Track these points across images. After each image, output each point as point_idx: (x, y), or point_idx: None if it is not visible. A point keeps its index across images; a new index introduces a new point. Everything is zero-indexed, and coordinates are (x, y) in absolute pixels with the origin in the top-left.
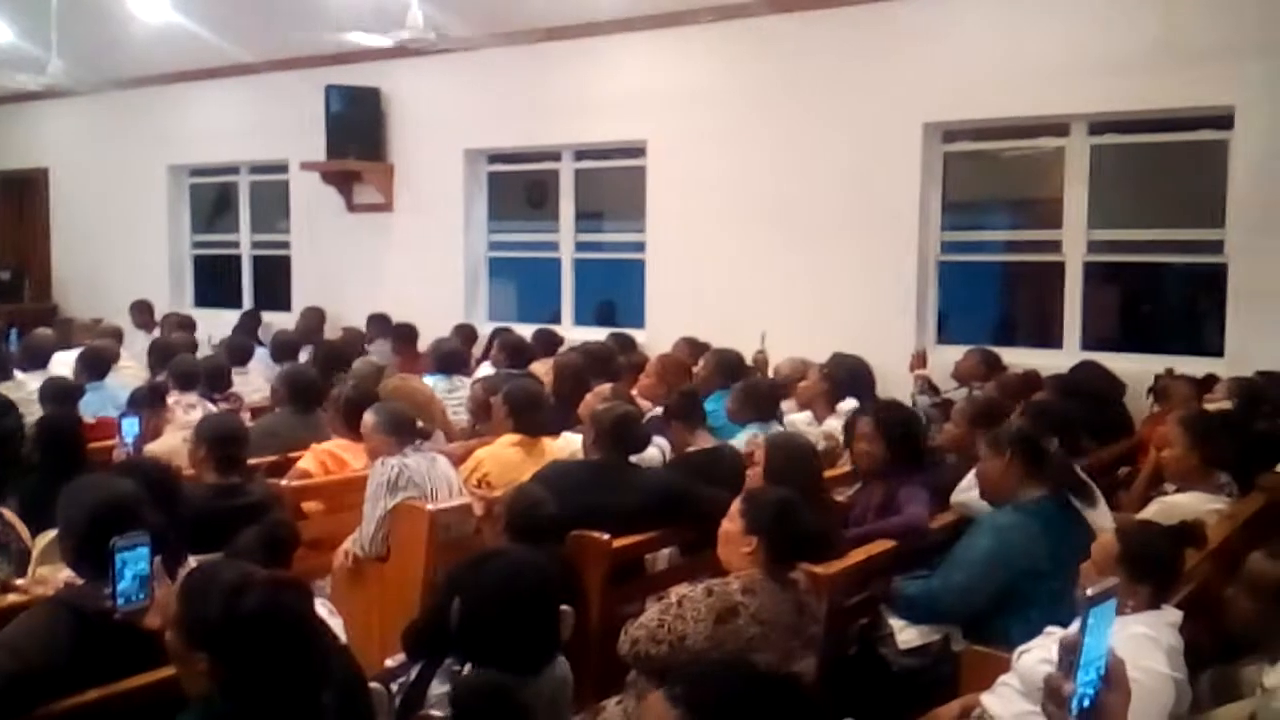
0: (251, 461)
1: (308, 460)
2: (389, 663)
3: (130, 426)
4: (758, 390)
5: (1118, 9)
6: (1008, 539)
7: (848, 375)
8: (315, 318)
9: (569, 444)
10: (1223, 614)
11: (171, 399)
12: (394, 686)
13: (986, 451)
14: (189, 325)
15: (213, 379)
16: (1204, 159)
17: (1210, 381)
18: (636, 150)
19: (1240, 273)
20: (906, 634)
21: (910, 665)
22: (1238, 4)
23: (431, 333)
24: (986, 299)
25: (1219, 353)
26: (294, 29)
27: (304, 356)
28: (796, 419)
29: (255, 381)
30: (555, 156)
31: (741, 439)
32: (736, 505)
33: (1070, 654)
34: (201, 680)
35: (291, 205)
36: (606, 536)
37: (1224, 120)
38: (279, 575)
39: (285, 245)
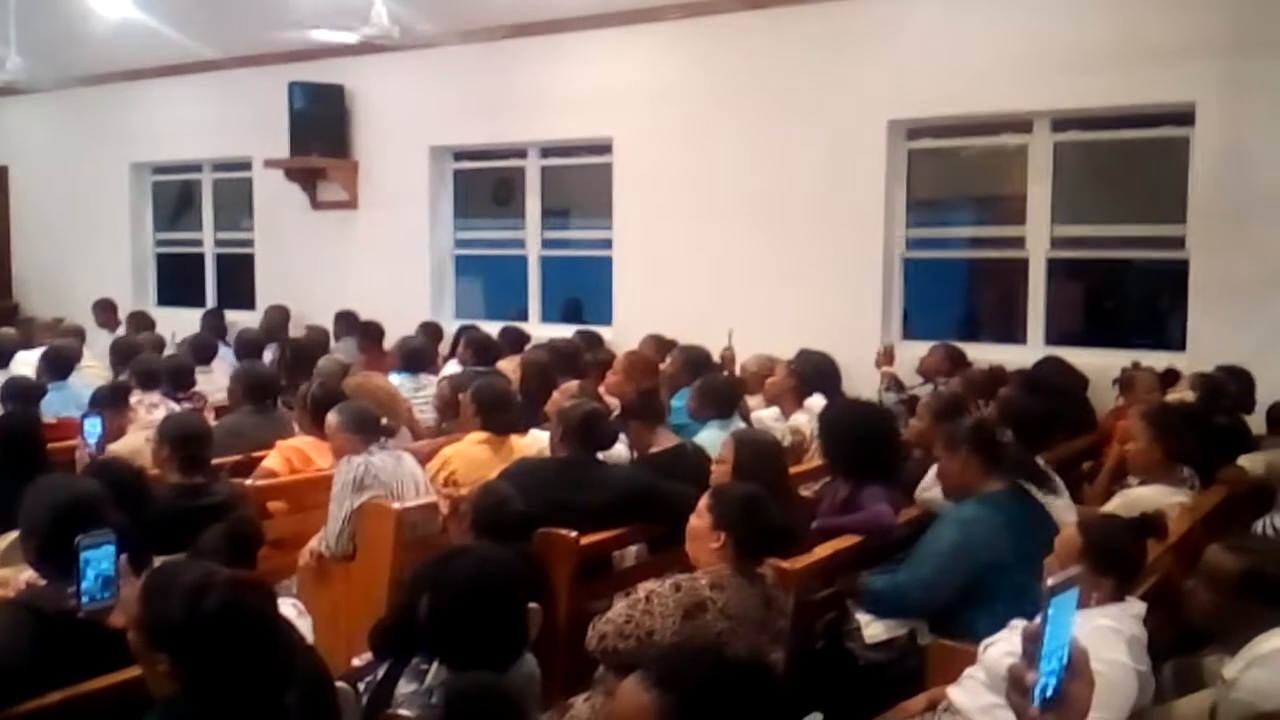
0: (216, 461)
1: (273, 459)
2: (356, 662)
3: (93, 426)
4: (716, 387)
5: (1080, 6)
6: (971, 532)
7: (814, 371)
8: (279, 316)
9: (536, 441)
10: (1184, 606)
11: (134, 398)
12: (361, 686)
13: (942, 449)
14: (147, 324)
15: (175, 378)
16: (1166, 155)
17: (1172, 376)
18: (603, 147)
19: (1201, 268)
20: (873, 629)
21: (877, 659)
22: (1198, 2)
23: (398, 330)
24: (952, 295)
25: (1181, 347)
26: (257, 25)
27: (268, 355)
28: (764, 415)
29: (219, 380)
30: (521, 154)
31: (704, 436)
32: (704, 501)
33: (1033, 644)
34: (165, 681)
35: (255, 203)
36: (574, 534)
37: (1185, 117)
38: (241, 575)
39: (249, 243)
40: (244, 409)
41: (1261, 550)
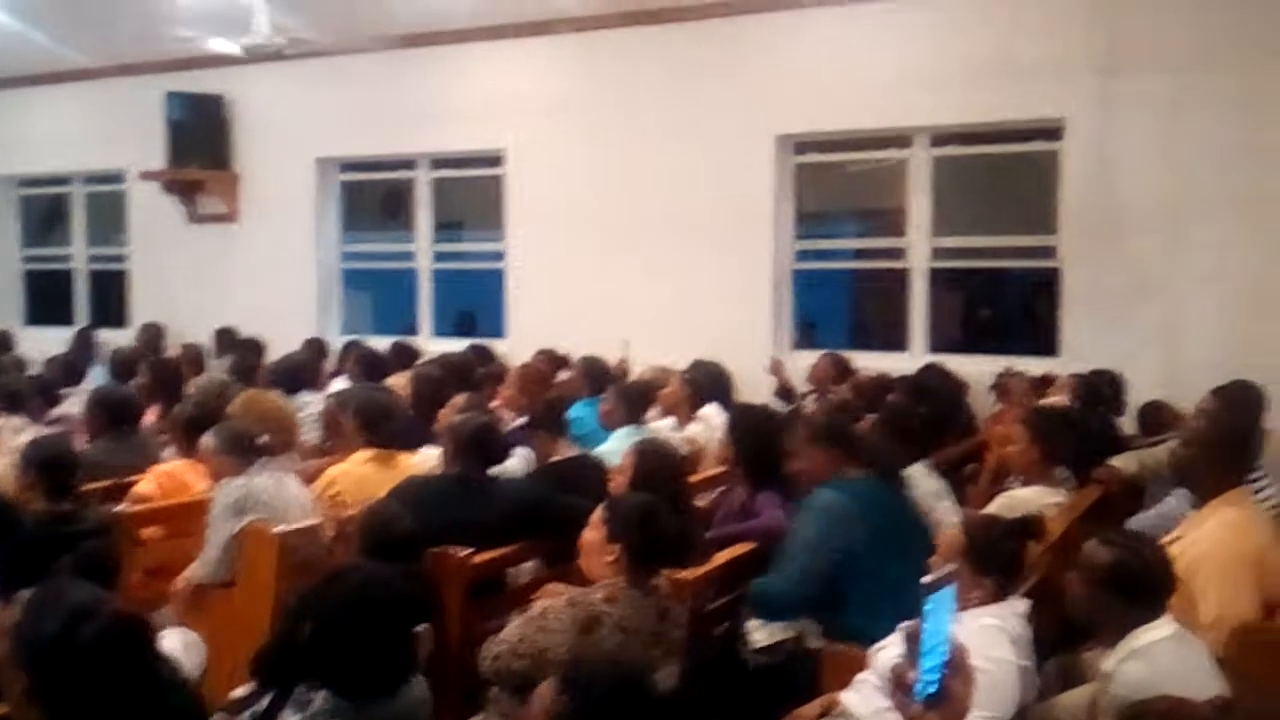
0: (86, 488)
1: (146, 483)
2: (238, 693)
3: None
4: (632, 393)
5: (956, 27)
6: (830, 519)
7: (708, 381)
8: (154, 334)
9: (427, 459)
10: (1064, 602)
11: None
12: (244, 717)
13: (802, 445)
14: (6, 344)
15: (42, 399)
16: (1038, 169)
17: (1048, 380)
18: (494, 159)
19: (1072, 276)
20: (758, 634)
21: (765, 664)
22: (1066, 21)
23: (282, 347)
24: (840, 305)
25: (1055, 353)
26: (133, 33)
27: (140, 375)
28: (660, 425)
29: None
30: (411, 165)
31: (611, 446)
32: (598, 514)
33: (912, 642)
34: (22, 705)
35: (129, 217)
36: (465, 552)
37: (1055, 132)
38: (125, 609)
39: (123, 258)
40: (103, 436)
41: (1130, 545)
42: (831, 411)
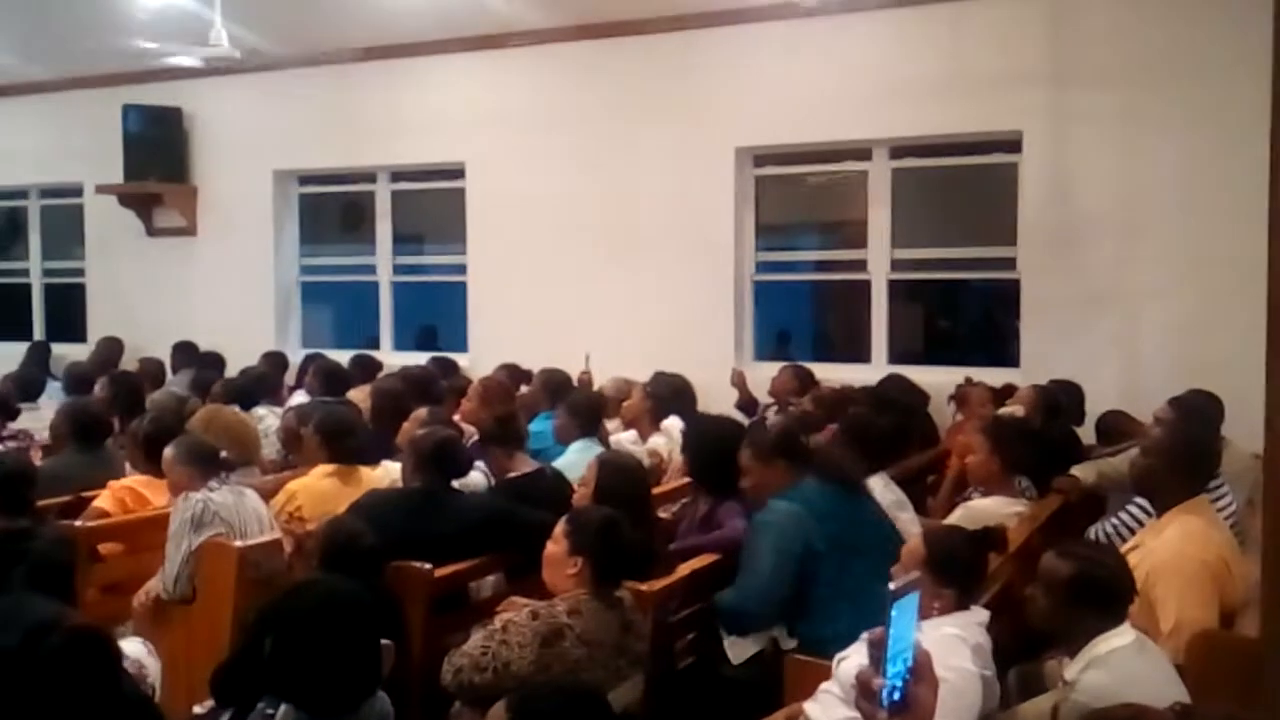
0: (42, 504)
1: (104, 499)
2: (197, 709)
3: None
4: (580, 404)
5: (915, 40)
6: (782, 529)
7: (670, 393)
8: (112, 348)
9: (389, 473)
10: (1026, 611)
11: None
12: None
13: (755, 461)
14: None
15: None
16: (996, 181)
17: (1009, 391)
18: (455, 172)
19: (1031, 287)
20: (736, 649)
21: (745, 677)
22: (1023, 35)
23: (241, 361)
24: (802, 317)
25: (1015, 363)
26: (89, 46)
27: (99, 390)
28: (622, 438)
29: (47, 417)
30: (371, 178)
31: (568, 460)
32: (560, 527)
33: (877, 649)
34: None
35: (87, 230)
36: (428, 566)
37: (1013, 145)
38: (88, 624)
39: (80, 272)
40: (70, 449)
41: (1090, 556)
42: (779, 426)
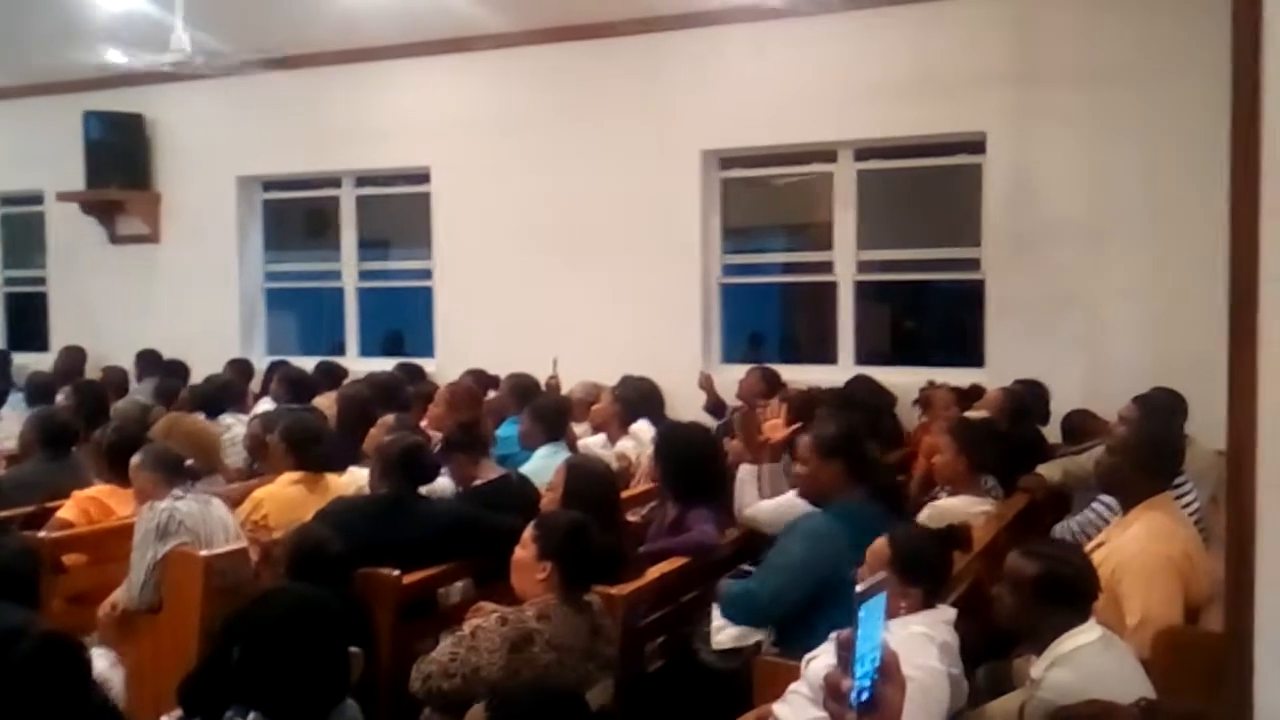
0: (4, 514)
1: (68, 509)
2: (165, 719)
3: None
4: (546, 410)
5: (879, 42)
6: (818, 547)
7: (638, 397)
8: (75, 357)
9: (355, 479)
10: (992, 610)
11: None
12: None
13: (812, 456)
14: None
15: None
16: (961, 182)
17: (975, 391)
18: (421, 177)
19: (996, 288)
20: (724, 635)
21: (721, 667)
22: (987, 36)
23: (206, 369)
24: (769, 319)
25: (980, 364)
26: (50, 52)
27: (61, 399)
28: (591, 442)
29: (8, 428)
30: (335, 183)
31: (534, 465)
32: (529, 532)
33: (846, 650)
34: None
35: (48, 238)
36: (396, 572)
37: (977, 146)
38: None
39: (42, 281)
40: (37, 457)
41: (1055, 555)
42: (845, 426)
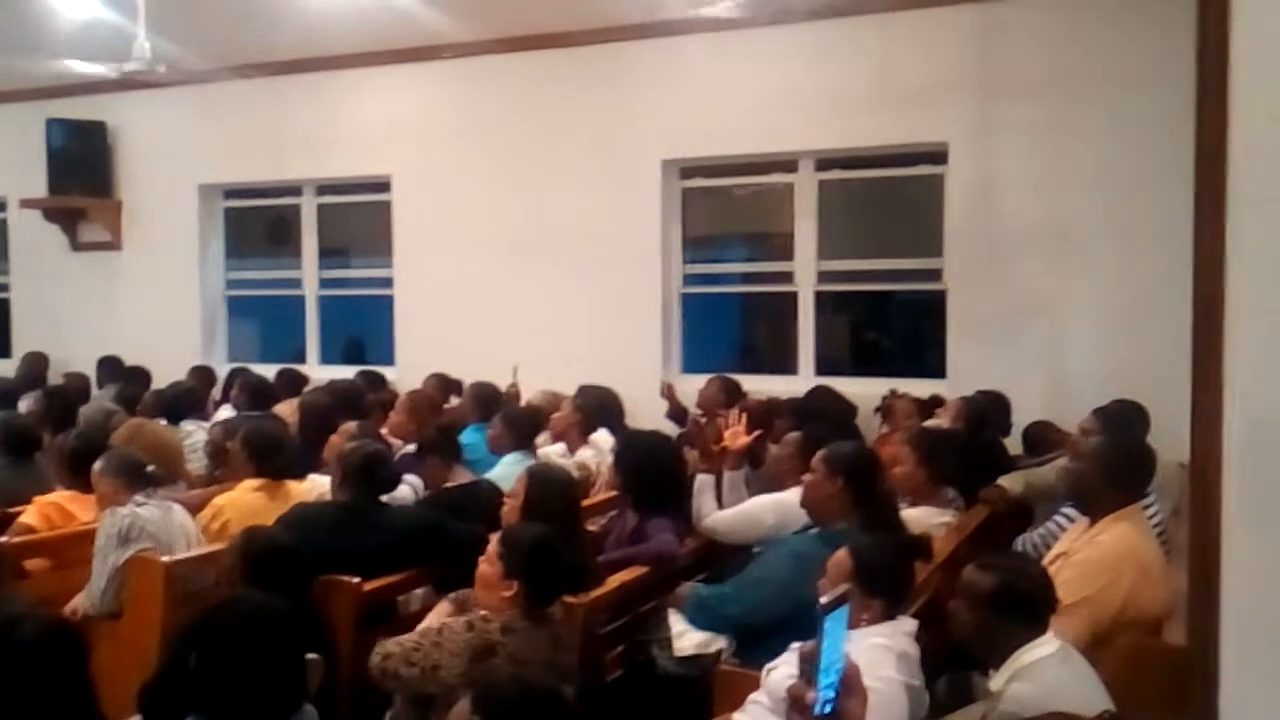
0: None
1: (30, 514)
2: None
3: None
4: (519, 418)
5: (840, 52)
6: (803, 570)
7: (598, 406)
8: (37, 363)
9: (316, 486)
10: (949, 624)
11: None
12: None
13: (821, 470)
14: None
15: None
16: (922, 192)
17: (936, 402)
18: (381, 185)
19: (958, 298)
20: (685, 640)
21: (680, 674)
22: (948, 47)
23: (168, 376)
24: (730, 329)
25: (941, 374)
26: (11, 59)
27: (24, 405)
28: (551, 450)
29: None
30: (296, 191)
31: (500, 471)
32: (494, 548)
33: (809, 663)
34: None
35: (10, 245)
36: (356, 579)
37: (939, 156)
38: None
39: (4, 287)
40: (0, 461)
41: (1012, 567)
42: (861, 449)
